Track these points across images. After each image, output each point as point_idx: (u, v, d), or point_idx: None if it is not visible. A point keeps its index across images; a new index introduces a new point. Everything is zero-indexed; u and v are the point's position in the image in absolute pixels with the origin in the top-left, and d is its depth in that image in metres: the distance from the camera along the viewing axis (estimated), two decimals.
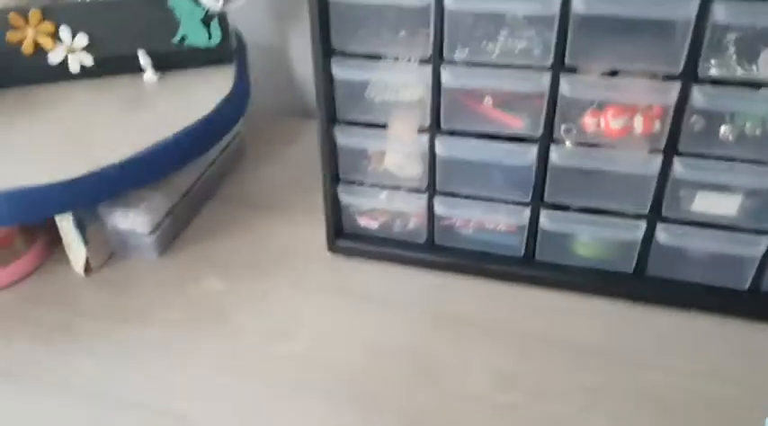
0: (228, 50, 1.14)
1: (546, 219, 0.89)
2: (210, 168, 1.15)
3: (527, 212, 0.89)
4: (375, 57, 0.86)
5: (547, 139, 0.84)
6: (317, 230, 1.03)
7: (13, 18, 1.05)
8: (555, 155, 0.84)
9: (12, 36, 1.06)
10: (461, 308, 0.93)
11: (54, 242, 1.01)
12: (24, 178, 0.87)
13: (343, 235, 1.01)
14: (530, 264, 0.93)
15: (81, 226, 0.96)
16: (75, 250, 0.98)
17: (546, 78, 0.80)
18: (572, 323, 0.89)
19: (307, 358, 0.87)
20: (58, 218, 0.95)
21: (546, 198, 0.88)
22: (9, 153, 0.94)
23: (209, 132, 1.04)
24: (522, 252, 0.93)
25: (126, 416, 0.80)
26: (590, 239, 0.91)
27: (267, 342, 0.89)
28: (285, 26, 1.38)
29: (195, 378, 0.84)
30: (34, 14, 1.05)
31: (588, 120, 0.83)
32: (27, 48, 1.07)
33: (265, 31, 1.38)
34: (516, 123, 0.85)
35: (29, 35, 1.06)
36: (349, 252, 1.01)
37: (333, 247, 1.01)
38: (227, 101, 1.07)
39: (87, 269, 0.99)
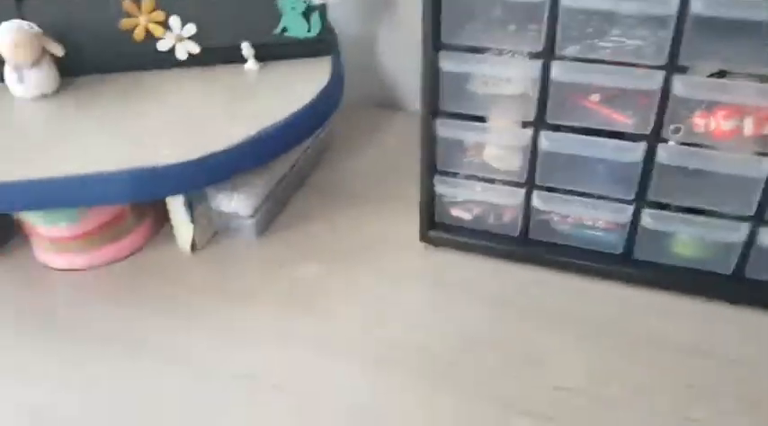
0: (326, 42, 1.17)
1: (648, 218, 0.89)
2: (304, 156, 1.19)
3: (629, 210, 0.90)
4: (482, 50, 0.88)
5: (654, 138, 0.84)
6: (409, 220, 1.05)
7: (128, 5, 1.10)
8: (662, 153, 0.84)
9: (126, 23, 1.11)
10: (555, 303, 0.93)
11: (162, 220, 1.06)
12: (143, 159, 0.92)
13: (436, 226, 1.03)
14: (627, 262, 0.94)
15: (189, 206, 1.00)
16: (183, 228, 1.03)
17: (658, 77, 0.80)
18: (668, 322, 0.89)
19: (400, 344, 0.89)
20: (168, 198, 1.00)
21: (649, 196, 0.88)
22: (126, 135, 0.99)
23: (310, 121, 1.07)
24: (621, 249, 0.94)
25: (225, 385, 0.84)
26: (690, 239, 0.90)
27: (361, 327, 0.92)
28: (375, 19, 1.40)
29: (294, 356, 0.88)
30: (147, 3, 1.10)
31: (698, 120, 0.83)
32: (139, 34, 1.12)
33: (356, 24, 1.41)
34: (624, 120, 0.85)
35: (141, 22, 1.12)
36: (441, 243, 1.03)
37: (425, 237, 1.04)
38: (325, 91, 1.10)
39: (193, 247, 1.04)
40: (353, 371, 0.86)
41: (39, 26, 1.07)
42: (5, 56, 1.06)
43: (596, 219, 0.94)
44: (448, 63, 0.89)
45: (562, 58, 0.83)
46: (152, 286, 1.00)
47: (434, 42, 0.87)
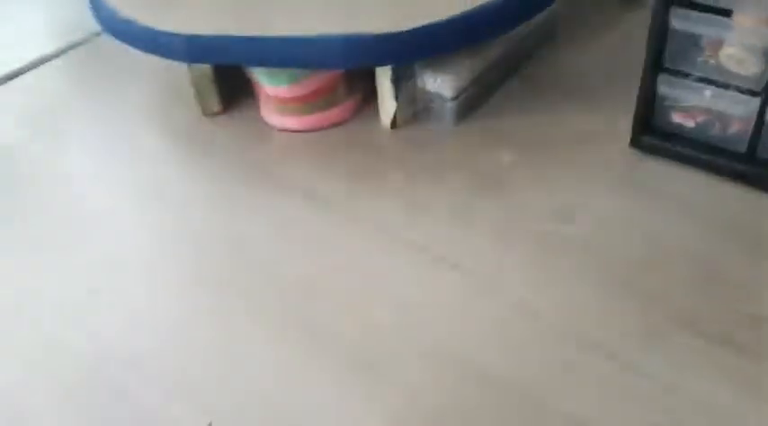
0: None
1: None
2: (519, 45, 1.14)
3: None
4: None
5: None
6: (620, 122, 0.97)
7: None
8: None
9: None
10: None
11: (369, 97, 1.10)
12: (356, 26, 0.95)
13: (651, 131, 0.94)
14: None
15: (396, 82, 1.02)
16: (387, 104, 1.05)
17: None
18: None
19: (583, 244, 0.85)
20: (378, 71, 1.03)
21: None
22: (342, 2, 1.02)
23: (528, 4, 1.02)
24: None
25: (402, 253, 0.87)
26: None
27: (546, 221, 0.89)
28: None
29: (473, 236, 0.89)
30: None
31: None
32: None
33: None
34: None
35: None
36: (652, 150, 0.95)
37: (636, 141, 0.95)
38: None
39: (393, 123, 1.07)
40: (525, 260, 0.85)
41: None
42: None
43: None
44: None
45: None
46: (349, 154, 1.05)
47: None
